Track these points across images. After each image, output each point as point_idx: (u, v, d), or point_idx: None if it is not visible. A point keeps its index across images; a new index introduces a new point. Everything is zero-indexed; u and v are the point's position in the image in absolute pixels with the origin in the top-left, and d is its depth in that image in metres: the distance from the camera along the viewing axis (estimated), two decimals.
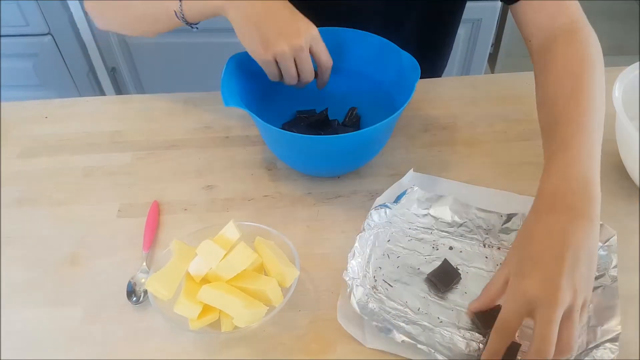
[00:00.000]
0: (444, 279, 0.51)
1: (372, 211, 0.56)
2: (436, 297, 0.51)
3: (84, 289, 0.53)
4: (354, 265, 0.50)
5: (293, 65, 0.55)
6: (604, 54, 0.59)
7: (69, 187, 0.63)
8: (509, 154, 0.65)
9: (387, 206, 0.56)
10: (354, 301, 0.48)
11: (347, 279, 0.49)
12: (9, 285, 0.54)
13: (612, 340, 0.45)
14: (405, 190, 0.58)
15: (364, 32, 0.64)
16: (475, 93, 0.74)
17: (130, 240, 0.57)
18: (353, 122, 0.66)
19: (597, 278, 0.50)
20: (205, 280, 0.48)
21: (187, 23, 0.60)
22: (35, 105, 0.74)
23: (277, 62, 0.55)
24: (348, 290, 0.48)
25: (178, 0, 0.57)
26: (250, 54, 0.56)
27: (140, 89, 1.47)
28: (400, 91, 0.60)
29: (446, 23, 0.79)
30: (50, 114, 0.72)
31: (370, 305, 0.49)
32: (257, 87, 0.64)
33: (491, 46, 1.51)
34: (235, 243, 0.49)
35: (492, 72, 1.59)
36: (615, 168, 0.63)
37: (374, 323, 0.46)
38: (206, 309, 0.47)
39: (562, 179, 0.47)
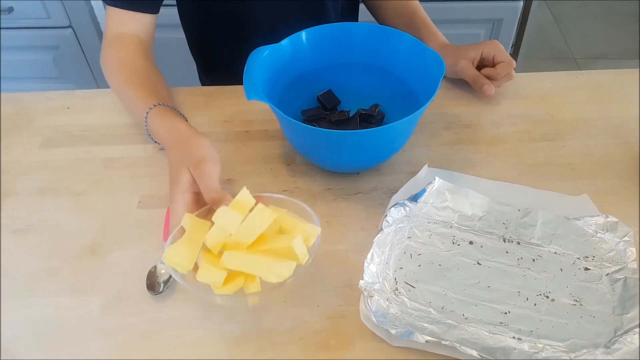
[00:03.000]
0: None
1: (389, 210, 0.55)
2: (457, 294, 0.50)
3: (104, 278, 0.53)
4: (372, 269, 0.50)
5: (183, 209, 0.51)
6: (622, 58, 0.60)
7: (90, 178, 0.63)
8: (532, 154, 0.64)
9: (404, 204, 0.56)
10: (370, 313, 0.47)
11: (363, 287, 0.48)
12: (30, 274, 0.54)
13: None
14: (425, 189, 0.57)
15: (390, 28, 0.64)
16: (498, 92, 0.73)
17: (150, 232, 0.57)
18: (376, 119, 0.66)
19: (617, 271, 0.51)
20: (224, 249, 0.46)
21: (149, 135, 0.63)
22: (58, 96, 0.74)
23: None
24: (363, 299, 0.48)
25: (146, 110, 0.61)
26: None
27: None
28: (424, 88, 0.59)
29: None
30: (72, 104, 0.73)
31: (392, 310, 0.48)
32: (278, 82, 0.63)
33: (511, 47, 1.49)
34: (250, 209, 0.46)
35: None
36: (635, 169, 0.62)
37: (393, 331, 0.46)
38: (229, 277, 0.44)
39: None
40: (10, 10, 1.25)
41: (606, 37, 2.07)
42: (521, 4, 1.34)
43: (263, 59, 0.61)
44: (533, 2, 1.39)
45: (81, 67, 1.36)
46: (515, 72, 0.70)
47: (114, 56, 0.70)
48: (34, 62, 1.35)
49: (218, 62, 0.90)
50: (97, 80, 1.40)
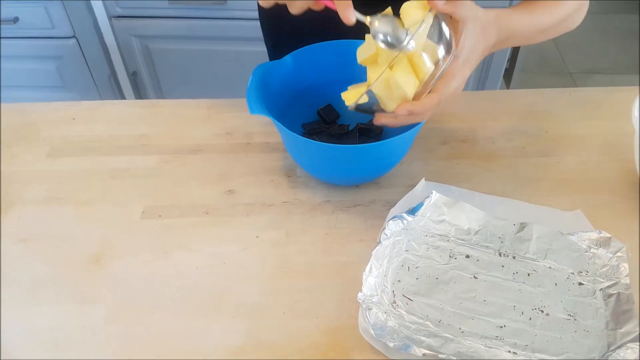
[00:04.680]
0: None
1: (388, 222, 0.56)
2: (454, 307, 0.51)
3: (107, 288, 0.54)
4: (371, 282, 0.51)
5: None
6: (617, 73, 0.62)
7: (95, 188, 0.64)
8: (527, 170, 0.66)
9: (402, 217, 0.57)
10: (369, 326, 0.48)
11: (361, 300, 0.49)
12: (34, 282, 0.55)
13: (633, 340, 0.47)
14: (422, 202, 0.58)
15: None
16: (494, 108, 0.74)
17: (153, 242, 0.58)
18: (375, 133, 0.67)
19: (610, 286, 0.53)
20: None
21: None
22: (64, 107, 0.76)
23: None
24: (361, 312, 0.49)
25: None
26: None
27: (160, 93, 1.50)
28: None
29: None
30: (78, 115, 0.74)
31: (390, 323, 0.49)
32: (281, 97, 0.65)
33: (507, 61, 1.52)
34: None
35: (508, 88, 1.60)
36: (632, 185, 0.63)
37: (391, 344, 0.47)
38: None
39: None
40: (16, 20, 1.27)
41: (602, 52, 2.10)
42: None
43: (266, 74, 0.62)
44: None
45: (84, 76, 1.38)
46: (510, 88, 0.71)
47: None
48: (38, 71, 1.37)
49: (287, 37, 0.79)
50: (99, 89, 1.41)
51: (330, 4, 0.48)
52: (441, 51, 0.49)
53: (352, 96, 0.52)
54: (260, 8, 0.81)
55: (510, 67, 1.55)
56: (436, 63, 0.49)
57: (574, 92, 0.77)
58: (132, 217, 0.61)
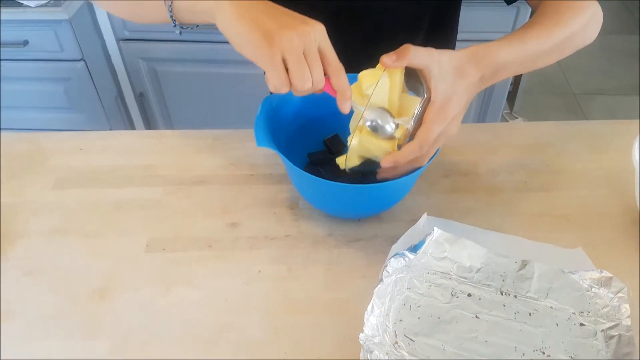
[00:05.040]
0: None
1: (389, 260, 0.57)
2: (455, 348, 0.51)
3: (111, 323, 0.55)
4: (373, 322, 0.51)
5: (304, 60, 0.47)
6: (620, 94, 0.63)
7: (100, 220, 0.65)
8: (528, 204, 0.66)
9: (404, 255, 0.58)
10: None
11: (363, 341, 0.49)
12: (39, 317, 0.55)
13: None
14: (424, 240, 0.59)
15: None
16: (496, 140, 0.75)
17: (156, 276, 0.59)
18: (380, 166, 0.68)
19: (612, 328, 0.52)
20: None
21: (173, 19, 0.54)
22: (71, 137, 0.77)
23: (284, 62, 0.47)
24: (363, 353, 0.49)
25: None
26: (250, 55, 0.47)
27: (166, 114, 1.52)
28: None
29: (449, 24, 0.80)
30: (85, 145, 0.75)
31: None
32: (288, 127, 0.66)
33: (510, 84, 1.53)
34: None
35: (511, 111, 1.61)
36: (634, 222, 0.64)
37: None
38: None
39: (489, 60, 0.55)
40: (26, 43, 1.29)
41: (605, 73, 2.11)
42: None
43: (274, 106, 0.63)
44: None
45: (91, 98, 1.40)
46: (514, 111, 0.72)
47: None
48: (46, 92, 1.39)
49: None
50: (106, 111, 1.43)
51: (332, 93, 0.51)
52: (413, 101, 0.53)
53: (342, 161, 0.57)
54: None
55: (512, 91, 1.57)
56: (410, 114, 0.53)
57: (575, 125, 0.78)
58: (136, 250, 0.62)
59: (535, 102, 1.95)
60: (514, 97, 1.67)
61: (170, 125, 1.56)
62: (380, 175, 0.56)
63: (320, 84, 0.49)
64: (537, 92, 2.02)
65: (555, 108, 1.93)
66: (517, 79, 1.60)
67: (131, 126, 1.51)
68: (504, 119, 1.76)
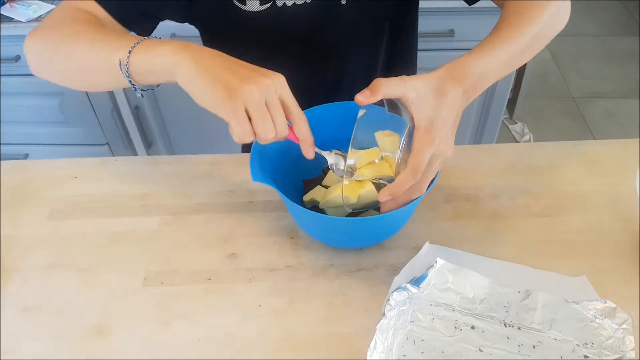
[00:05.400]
0: None
1: (392, 294, 0.56)
2: None
3: None
4: (376, 358, 0.50)
5: (266, 110, 0.48)
6: (620, 97, 0.63)
7: (96, 253, 0.64)
8: (531, 231, 0.65)
9: (406, 288, 0.57)
10: None
11: None
12: (37, 355, 0.55)
13: None
14: (426, 273, 0.58)
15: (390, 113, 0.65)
16: (497, 163, 0.74)
17: (154, 312, 0.58)
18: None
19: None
20: None
21: (130, 81, 0.53)
22: (65, 164, 0.76)
23: (247, 113, 0.48)
24: None
25: (128, 48, 0.51)
26: (213, 109, 0.49)
27: (163, 127, 1.50)
28: None
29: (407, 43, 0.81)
30: (80, 173, 0.74)
31: None
32: (285, 157, 0.65)
33: (510, 91, 1.52)
34: None
35: (511, 117, 1.60)
36: (637, 248, 0.63)
37: None
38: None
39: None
40: (17, 58, 1.28)
41: (604, 75, 2.11)
42: None
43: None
44: None
45: (86, 112, 1.38)
46: (512, 117, 0.71)
47: (61, 16, 0.59)
48: (40, 107, 1.37)
49: None
50: (101, 124, 1.42)
51: (295, 140, 0.54)
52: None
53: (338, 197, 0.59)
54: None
55: (513, 97, 1.56)
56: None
57: (577, 145, 0.77)
58: (133, 284, 0.61)
59: (534, 106, 1.95)
60: (514, 103, 1.66)
61: (167, 137, 1.55)
62: (383, 209, 0.55)
63: (283, 132, 0.50)
64: (536, 96, 2.01)
65: (554, 112, 1.92)
66: (517, 86, 1.59)
67: (128, 139, 1.49)
68: (503, 125, 1.75)
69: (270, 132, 0.49)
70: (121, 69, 0.52)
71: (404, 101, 0.52)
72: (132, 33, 0.67)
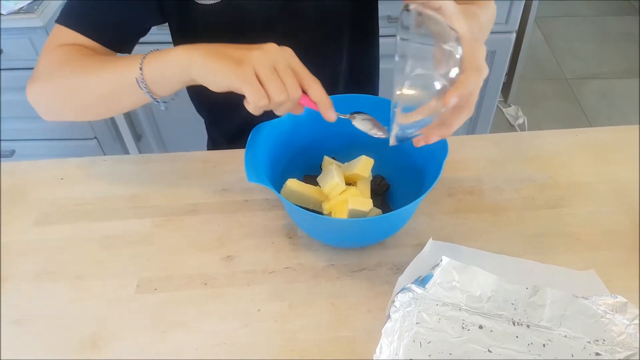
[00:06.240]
0: None
1: (397, 295, 0.54)
2: None
3: None
4: None
5: (275, 72, 0.49)
6: (614, 77, 0.61)
7: (87, 259, 0.61)
8: (536, 224, 0.64)
9: (411, 289, 0.55)
10: None
11: None
12: None
13: None
14: (432, 274, 0.56)
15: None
16: (499, 153, 0.72)
17: (150, 320, 0.55)
18: (382, 190, 0.65)
19: (628, 357, 0.50)
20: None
21: (154, 98, 0.55)
22: (51, 165, 0.72)
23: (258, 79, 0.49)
24: None
25: (137, 65, 0.53)
26: (226, 81, 0.50)
27: (154, 124, 1.47)
28: (428, 164, 0.58)
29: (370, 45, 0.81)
30: (66, 175, 0.71)
31: None
32: (282, 155, 0.63)
33: (505, 75, 1.50)
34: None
35: (505, 101, 1.58)
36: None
37: None
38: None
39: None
40: (0, 52, 1.23)
41: (599, 56, 2.08)
42: (514, 35, 1.34)
43: (264, 136, 0.60)
44: (526, 32, 1.40)
45: None
46: (507, 101, 0.69)
47: (57, 58, 0.60)
48: (26, 102, 1.31)
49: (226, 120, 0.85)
50: (91, 122, 1.38)
51: (313, 106, 0.52)
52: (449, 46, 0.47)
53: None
54: None
55: (507, 81, 1.53)
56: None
57: (580, 133, 0.75)
58: (126, 291, 0.58)
59: (529, 88, 1.92)
60: (508, 86, 1.63)
61: (156, 128, 1.51)
62: (430, 139, 0.51)
63: (295, 93, 0.50)
64: (530, 77, 1.98)
65: (548, 95, 1.90)
66: (511, 69, 1.56)
67: (116, 132, 1.45)
68: (497, 108, 1.73)
69: (282, 93, 0.49)
70: (140, 86, 0.54)
71: (444, 11, 0.47)
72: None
